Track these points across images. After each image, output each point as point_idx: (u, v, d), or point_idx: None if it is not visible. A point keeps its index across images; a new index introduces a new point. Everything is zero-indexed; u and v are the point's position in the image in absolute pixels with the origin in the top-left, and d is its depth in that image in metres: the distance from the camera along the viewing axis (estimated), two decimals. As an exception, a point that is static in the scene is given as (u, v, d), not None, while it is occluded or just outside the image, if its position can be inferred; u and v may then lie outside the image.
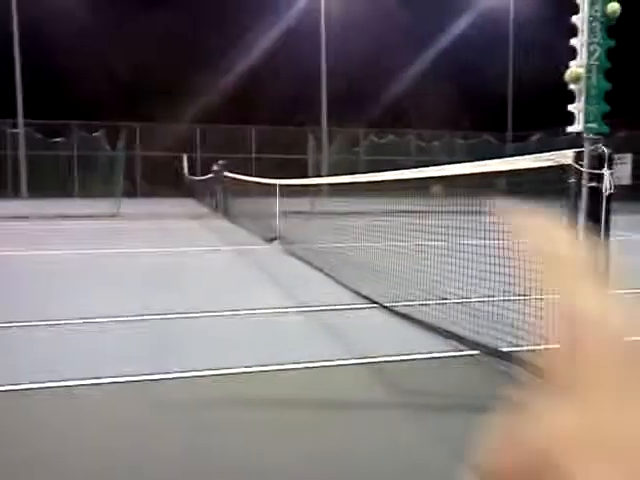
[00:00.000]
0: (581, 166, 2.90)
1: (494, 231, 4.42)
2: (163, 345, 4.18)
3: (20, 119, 30.58)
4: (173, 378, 3.45)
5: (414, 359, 3.84)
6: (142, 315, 5.03)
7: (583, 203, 2.93)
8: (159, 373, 3.50)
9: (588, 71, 2.90)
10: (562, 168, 3.06)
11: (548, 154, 3.21)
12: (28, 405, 3.10)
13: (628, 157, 19.81)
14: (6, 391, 3.24)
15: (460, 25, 38.23)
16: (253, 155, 34.89)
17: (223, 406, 3.06)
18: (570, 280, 0.27)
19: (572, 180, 2.96)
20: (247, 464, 2.46)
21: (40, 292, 6.12)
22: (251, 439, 2.69)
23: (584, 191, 2.91)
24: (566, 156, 3.00)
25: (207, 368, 3.59)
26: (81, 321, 4.79)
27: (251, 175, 14.89)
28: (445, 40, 38.33)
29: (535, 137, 33.04)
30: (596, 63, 2.89)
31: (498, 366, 3.58)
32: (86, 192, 27.88)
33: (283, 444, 2.63)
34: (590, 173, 2.86)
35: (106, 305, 5.40)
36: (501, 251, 4.13)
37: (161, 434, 2.75)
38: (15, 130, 30.71)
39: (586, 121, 2.91)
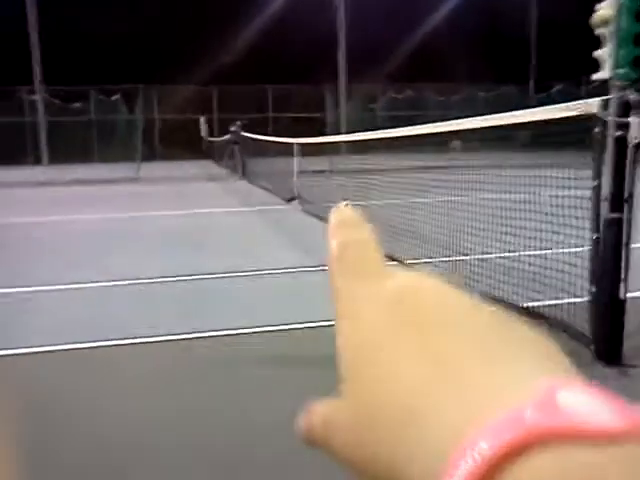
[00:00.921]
0: (607, 115, 2.79)
1: (516, 185, 4.34)
2: (190, 305, 4.23)
3: (38, 85, 30.57)
4: (201, 337, 3.49)
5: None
6: (166, 277, 5.07)
7: (608, 154, 2.84)
8: (187, 332, 3.54)
9: (617, 13, 2.76)
10: (588, 118, 2.96)
11: (573, 103, 3.10)
12: (69, 365, 3.17)
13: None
14: (49, 352, 3.31)
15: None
16: (270, 114, 34.57)
17: (250, 364, 3.09)
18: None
19: (598, 130, 2.86)
20: (274, 419, 2.48)
21: (64, 256, 6.19)
22: (281, 395, 2.71)
23: (609, 141, 2.80)
24: (592, 105, 2.89)
25: (233, 327, 3.62)
26: (110, 283, 4.86)
27: (269, 135, 14.78)
28: (464, -11, 37.08)
29: (556, 88, 32.16)
30: (626, 3, 2.75)
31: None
32: (105, 157, 27.98)
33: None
34: (616, 122, 2.76)
35: (131, 267, 5.46)
36: (523, 205, 4.05)
37: (197, 390, 2.79)
38: (33, 97, 30.74)
39: (615, 66, 2.78)
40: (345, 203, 0.30)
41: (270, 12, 34.99)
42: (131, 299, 4.49)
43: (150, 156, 28.48)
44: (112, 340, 3.46)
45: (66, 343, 3.43)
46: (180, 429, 2.44)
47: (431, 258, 4.89)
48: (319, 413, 0.25)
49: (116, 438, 2.38)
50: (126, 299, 4.49)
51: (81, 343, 3.43)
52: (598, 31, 2.87)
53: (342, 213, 0.30)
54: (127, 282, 4.94)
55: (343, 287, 0.26)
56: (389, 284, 0.25)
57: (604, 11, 2.81)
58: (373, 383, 0.22)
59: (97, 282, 4.92)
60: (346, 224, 0.30)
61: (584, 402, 0.18)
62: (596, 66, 2.98)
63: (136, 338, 3.49)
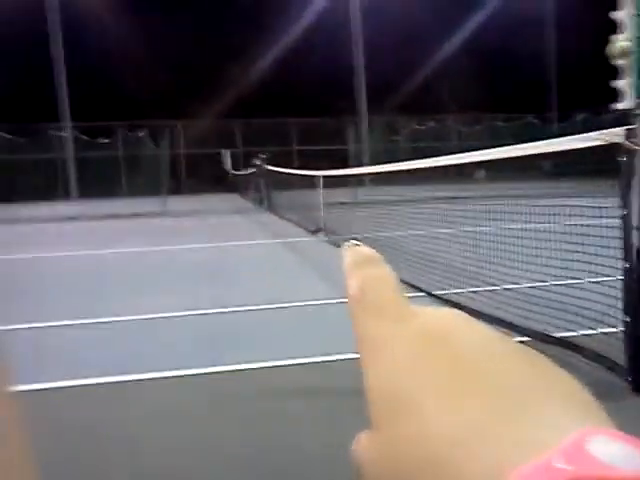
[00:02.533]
0: (633, 143, 2.81)
1: (541, 214, 4.35)
2: (216, 339, 4.27)
3: (67, 122, 31.45)
4: (228, 371, 3.52)
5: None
6: (194, 310, 5.14)
7: (636, 183, 2.84)
8: (214, 365, 3.58)
9: (637, 44, 2.80)
10: (612, 147, 2.97)
11: (596, 133, 3.12)
12: (88, 400, 3.21)
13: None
14: (70, 387, 3.37)
15: (499, 2, 37.29)
16: (294, 147, 35.01)
17: (279, 397, 3.11)
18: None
19: (624, 159, 2.88)
20: (301, 452, 2.50)
21: (92, 291, 6.31)
22: (304, 429, 2.73)
23: (637, 169, 2.82)
24: (617, 134, 2.91)
25: (261, 359, 3.65)
26: (137, 317, 4.94)
27: (293, 167, 14.96)
28: (484, 20, 37.48)
29: (580, 117, 32.05)
30: (645, 37, 2.80)
31: (549, 352, 3.52)
32: (133, 191, 28.50)
33: (335, 433, 2.66)
34: (643, 151, 2.78)
35: (159, 301, 5.55)
36: (550, 235, 4.05)
37: (220, 426, 2.81)
38: (61, 133, 31.60)
39: (638, 96, 2.81)
40: (354, 242, 0.30)
41: (290, 46, 35.69)
42: (154, 333, 4.55)
43: (176, 190, 28.97)
44: (135, 374, 3.51)
45: (92, 377, 3.47)
46: (209, 460, 2.46)
47: (459, 289, 4.88)
48: (363, 445, 0.25)
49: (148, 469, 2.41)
50: (149, 333, 4.55)
51: (109, 376, 3.48)
52: (616, 62, 2.90)
53: (357, 251, 0.29)
54: (157, 315, 5.01)
55: (367, 329, 0.26)
56: (413, 324, 0.25)
57: (622, 43, 2.85)
58: (406, 429, 0.22)
59: (128, 315, 4.99)
60: (363, 263, 0.28)
61: (615, 449, 0.18)
62: (615, 95, 3.01)
63: (165, 371, 3.53)
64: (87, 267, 8.04)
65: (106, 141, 31.77)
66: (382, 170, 8.58)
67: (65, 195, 30.79)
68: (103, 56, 30.82)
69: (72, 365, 3.76)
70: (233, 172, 28.87)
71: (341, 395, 3.13)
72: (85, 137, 31.63)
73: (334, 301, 5.30)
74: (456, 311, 0.26)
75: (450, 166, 5.61)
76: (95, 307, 5.37)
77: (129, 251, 9.50)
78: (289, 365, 3.57)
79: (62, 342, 4.35)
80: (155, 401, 3.16)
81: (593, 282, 3.41)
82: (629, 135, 2.86)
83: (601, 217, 3.35)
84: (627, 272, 2.89)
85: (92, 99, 30.79)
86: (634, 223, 2.84)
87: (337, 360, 3.61)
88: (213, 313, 5.04)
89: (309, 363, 3.59)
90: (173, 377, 3.46)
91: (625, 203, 2.90)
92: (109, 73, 31.35)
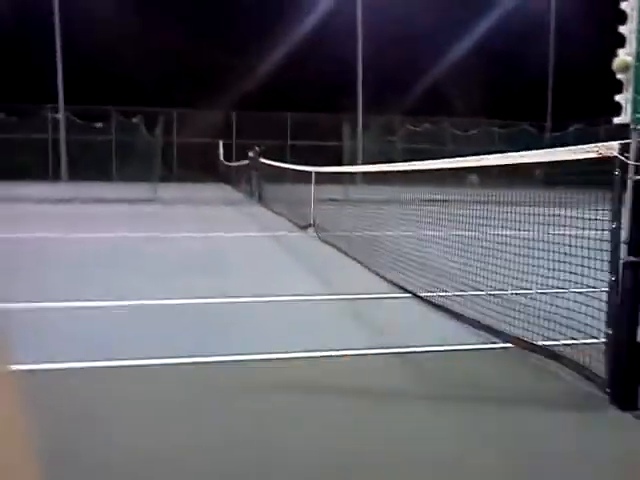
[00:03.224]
0: (627, 158, 2.82)
1: (531, 223, 4.36)
2: (204, 329, 4.25)
3: (61, 104, 31.17)
4: (216, 362, 3.50)
5: (447, 350, 3.82)
6: (182, 298, 5.11)
7: (627, 198, 2.85)
8: (202, 356, 3.56)
9: (638, 60, 2.81)
10: (606, 160, 2.98)
11: (592, 145, 3.13)
12: (72, 385, 3.18)
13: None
14: (46, 370, 3.33)
15: (500, 9, 37.37)
16: (289, 142, 34.93)
17: (260, 391, 3.10)
18: None
19: (617, 173, 2.88)
20: (278, 446, 2.49)
21: (80, 275, 6.26)
22: (281, 424, 2.72)
23: (629, 184, 2.82)
24: (611, 148, 2.92)
25: (246, 352, 3.63)
26: (124, 303, 4.90)
27: (286, 162, 14.93)
28: (484, 25, 37.55)
29: (572, 128, 32.27)
30: (645, 51, 2.81)
31: (531, 360, 3.54)
32: (124, 176, 28.31)
33: (312, 430, 2.65)
34: (636, 166, 2.78)
35: (146, 288, 5.52)
36: (538, 243, 4.07)
37: (206, 417, 2.79)
38: (56, 115, 31.33)
39: (635, 112, 2.82)
40: None
41: (292, 41, 35.56)
42: (146, 320, 4.52)
43: (168, 178, 28.79)
44: (125, 360, 3.48)
45: (76, 361, 3.44)
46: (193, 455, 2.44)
47: (445, 292, 4.89)
48: None
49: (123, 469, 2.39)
50: (141, 319, 4.52)
51: (92, 361, 3.44)
52: (619, 76, 2.91)
53: None
54: (141, 302, 4.98)
55: None
56: None
57: (625, 57, 2.86)
58: None
59: (109, 301, 4.95)
60: None
61: None
62: (613, 108, 3.02)
63: (151, 359, 3.51)
64: (72, 250, 7.97)
65: (99, 125, 31.53)
66: (375, 170, 8.58)
67: (55, 177, 30.56)
68: (101, 40, 30.52)
69: (48, 348, 3.72)
70: (226, 163, 28.78)
71: (319, 391, 3.12)
72: (78, 120, 31.36)
73: (320, 297, 5.30)
74: None
75: (443, 169, 5.61)
76: (75, 291, 5.32)
77: (116, 236, 9.44)
78: (271, 359, 3.56)
79: (37, 324, 4.30)
80: (138, 389, 3.13)
81: (578, 292, 3.42)
82: (623, 149, 2.87)
83: (590, 229, 3.36)
84: (612, 285, 2.90)
85: (88, 82, 30.55)
86: (622, 237, 2.85)
87: (315, 357, 3.61)
88: (199, 303, 5.01)
89: (292, 358, 3.58)
90: (154, 365, 3.44)
91: (615, 216, 2.91)
92: (106, 57, 31.07)
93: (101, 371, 3.36)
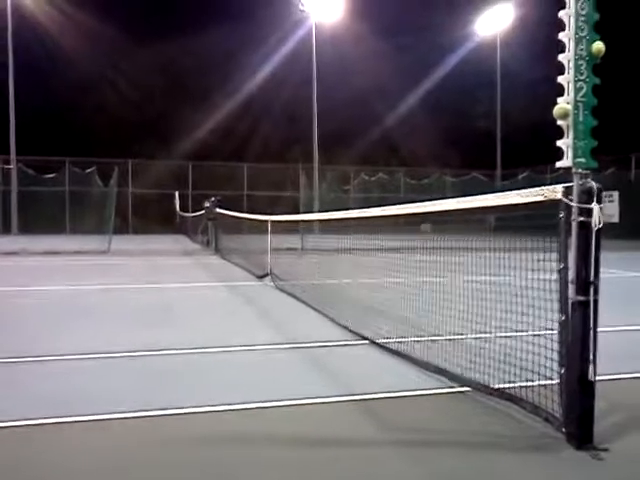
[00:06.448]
0: (570, 200, 2.91)
1: (485, 267, 4.43)
2: (156, 382, 4.10)
3: (13, 155, 30.64)
4: (168, 415, 3.38)
5: (404, 396, 3.78)
6: (135, 351, 4.95)
7: (573, 238, 2.93)
8: (153, 409, 3.42)
9: (575, 108, 2.94)
10: (552, 203, 3.07)
11: (538, 189, 3.23)
12: (27, 441, 3.01)
13: (615, 195, 20.06)
14: (6, 427, 3.15)
15: (449, 64, 39.02)
16: (245, 192, 35.05)
17: (216, 443, 2.98)
18: None
19: (562, 215, 2.97)
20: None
21: (29, 328, 6.02)
22: (239, 476, 2.62)
23: (574, 225, 2.91)
24: (556, 191, 3.02)
25: (201, 404, 3.51)
26: (74, 357, 4.72)
27: (243, 212, 14.93)
28: (434, 79, 39.06)
29: (522, 175, 33.50)
30: (583, 100, 2.94)
31: (489, 402, 3.53)
32: (77, 228, 27.78)
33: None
34: (579, 207, 2.88)
35: (97, 341, 5.33)
36: (493, 287, 4.12)
37: (160, 471, 2.67)
38: (7, 166, 30.75)
39: (575, 156, 2.93)
40: None
41: (248, 93, 36.17)
42: (97, 373, 4.34)
43: (123, 229, 28.39)
44: (77, 416, 3.32)
45: (25, 419, 3.28)
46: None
47: (403, 337, 4.88)
48: None
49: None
50: (92, 373, 4.34)
51: (43, 418, 3.28)
52: (560, 122, 3.04)
53: None
54: (93, 356, 4.80)
55: None
56: None
57: (564, 104, 2.99)
58: None
59: (61, 355, 4.77)
60: None
61: None
62: (558, 155, 3.13)
63: (102, 414, 3.36)
64: (20, 304, 7.69)
65: (51, 176, 31.06)
66: (331, 217, 8.64)
67: (5, 229, 29.76)
68: (55, 91, 30.42)
69: (6, 403, 3.52)
70: (182, 214, 28.60)
71: (274, 442, 3.03)
72: (31, 171, 30.85)
73: (276, 347, 5.21)
74: None
75: (397, 216, 5.68)
76: (25, 346, 5.10)
77: (67, 289, 9.16)
78: (224, 411, 3.45)
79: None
80: (85, 445, 2.98)
81: (533, 334, 3.46)
82: (567, 192, 2.96)
83: (539, 271, 3.42)
84: (563, 325, 2.94)
85: (40, 134, 30.24)
86: (569, 277, 2.91)
87: (272, 407, 3.52)
88: (153, 355, 4.86)
89: (243, 409, 3.48)
90: (105, 420, 3.28)
91: (562, 257, 2.98)
92: (60, 108, 30.92)
93: (41, 428, 3.18)
